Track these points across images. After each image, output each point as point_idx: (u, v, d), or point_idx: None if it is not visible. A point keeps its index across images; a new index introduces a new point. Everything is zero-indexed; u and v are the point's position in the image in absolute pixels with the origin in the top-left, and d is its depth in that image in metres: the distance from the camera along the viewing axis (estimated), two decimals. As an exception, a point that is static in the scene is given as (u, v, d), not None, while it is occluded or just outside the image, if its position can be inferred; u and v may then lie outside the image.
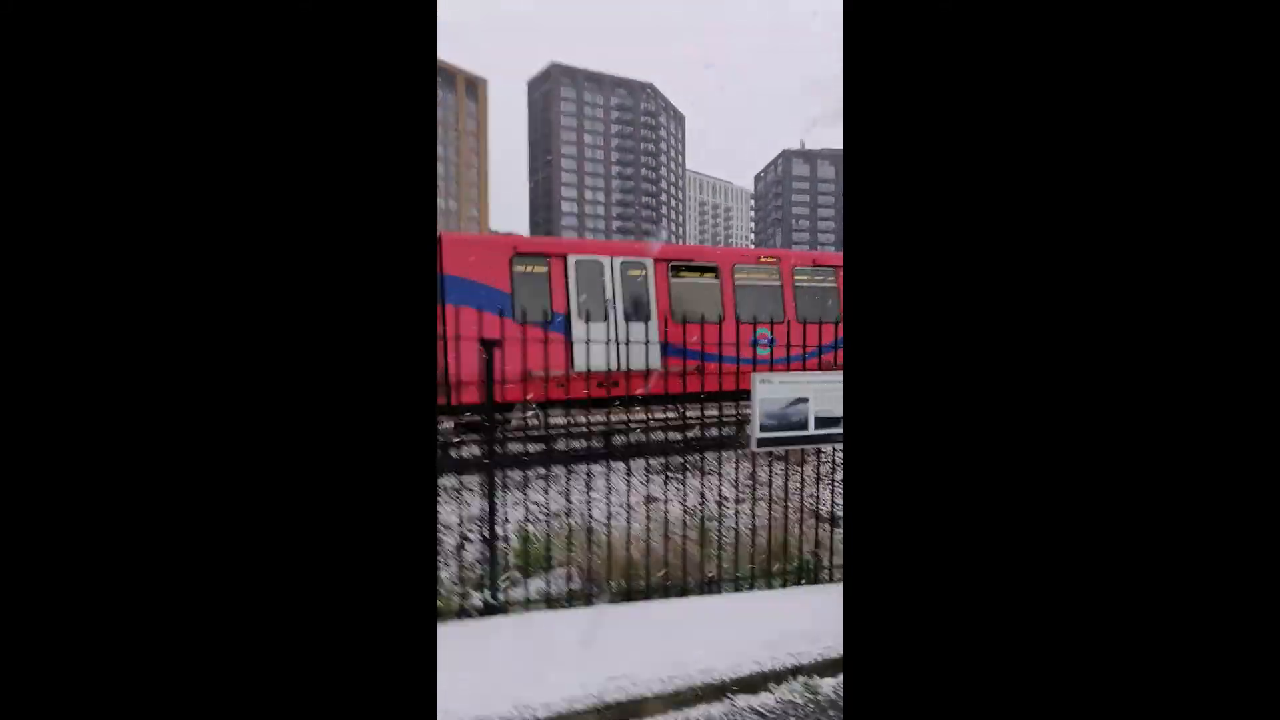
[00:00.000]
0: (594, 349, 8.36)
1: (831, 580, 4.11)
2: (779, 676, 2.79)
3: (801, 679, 2.82)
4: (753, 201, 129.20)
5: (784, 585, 3.99)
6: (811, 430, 3.85)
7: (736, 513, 4.76)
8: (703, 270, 9.96)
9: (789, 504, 4.22)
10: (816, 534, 4.80)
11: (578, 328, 8.36)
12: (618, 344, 8.10)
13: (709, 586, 3.88)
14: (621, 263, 9.38)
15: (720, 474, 5.53)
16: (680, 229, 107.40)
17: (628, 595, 3.76)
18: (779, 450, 4.19)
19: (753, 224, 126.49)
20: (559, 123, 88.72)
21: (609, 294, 9.33)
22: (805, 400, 3.81)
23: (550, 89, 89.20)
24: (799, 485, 4.51)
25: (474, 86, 74.07)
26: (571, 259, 9.12)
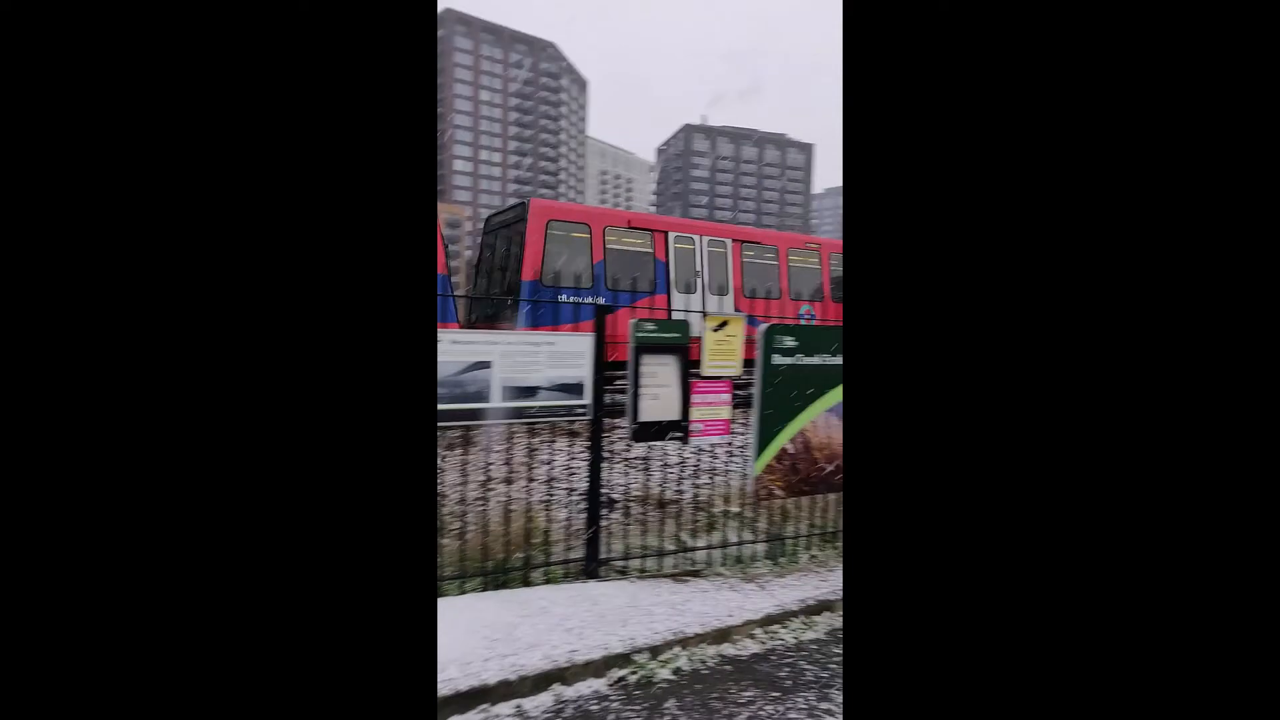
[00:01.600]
0: None
1: (527, 584, 3.40)
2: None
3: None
4: (654, 174, 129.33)
5: (461, 591, 3.24)
6: (496, 402, 3.14)
7: (464, 501, 4.05)
8: None
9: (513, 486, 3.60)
10: (548, 524, 4.13)
11: None
12: None
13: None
14: None
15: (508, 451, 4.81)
16: (580, 198, 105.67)
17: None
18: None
19: (654, 196, 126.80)
20: (453, 75, 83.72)
21: None
22: (487, 365, 3.10)
23: (445, 36, 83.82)
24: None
25: (357, 25, 68.21)
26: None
